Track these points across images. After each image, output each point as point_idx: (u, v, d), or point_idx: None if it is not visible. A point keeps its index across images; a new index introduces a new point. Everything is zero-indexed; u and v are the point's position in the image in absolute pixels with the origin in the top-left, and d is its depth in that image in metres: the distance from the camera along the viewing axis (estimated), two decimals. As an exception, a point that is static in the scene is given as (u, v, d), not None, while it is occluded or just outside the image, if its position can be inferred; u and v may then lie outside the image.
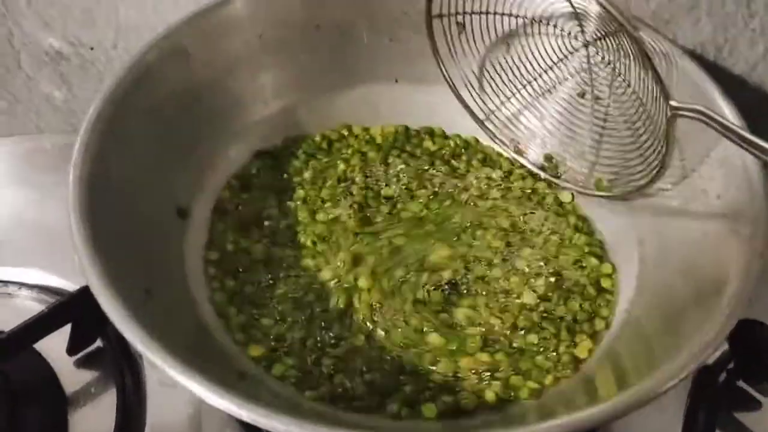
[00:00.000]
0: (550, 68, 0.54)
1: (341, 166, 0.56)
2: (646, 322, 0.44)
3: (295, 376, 0.44)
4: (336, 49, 0.57)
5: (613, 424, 0.49)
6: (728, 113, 0.45)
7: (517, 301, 0.48)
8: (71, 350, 0.51)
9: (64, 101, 0.72)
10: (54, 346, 0.51)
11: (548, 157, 0.56)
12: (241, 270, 0.50)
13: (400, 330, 0.46)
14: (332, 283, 0.49)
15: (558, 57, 0.53)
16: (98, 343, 0.52)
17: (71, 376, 0.51)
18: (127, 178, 0.45)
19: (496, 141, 0.57)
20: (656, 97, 0.44)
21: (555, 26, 0.52)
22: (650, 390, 0.35)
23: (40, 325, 0.49)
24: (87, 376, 0.51)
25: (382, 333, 0.46)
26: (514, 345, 0.46)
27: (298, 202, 0.54)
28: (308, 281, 0.49)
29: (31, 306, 0.55)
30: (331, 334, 0.46)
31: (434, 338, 0.46)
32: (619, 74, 0.49)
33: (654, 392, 0.35)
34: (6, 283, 0.56)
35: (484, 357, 0.45)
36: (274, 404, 0.34)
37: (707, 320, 0.38)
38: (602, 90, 0.52)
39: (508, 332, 0.46)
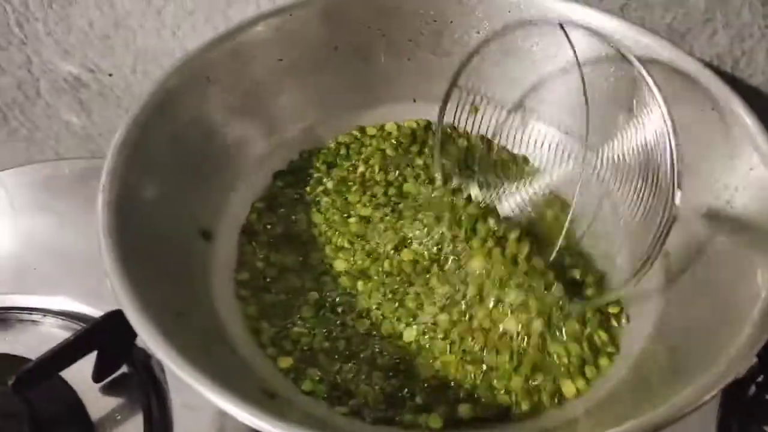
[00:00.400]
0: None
1: (361, 168, 0.56)
2: (674, 339, 0.44)
3: (323, 390, 0.44)
4: (354, 70, 0.57)
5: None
6: (748, 119, 0.45)
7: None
8: (97, 377, 0.51)
9: (82, 127, 0.72)
10: (79, 373, 0.51)
11: None
12: (270, 280, 0.50)
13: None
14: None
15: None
16: (123, 369, 0.52)
17: (97, 402, 0.51)
18: (153, 201, 0.45)
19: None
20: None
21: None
22: (684, 405, 0.35)
23: (66, 353, 0.49)
24: (113, 402, 0.51)
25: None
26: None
27: (327, 210, 0.54)
28: (340, 287, 0.50)
29: (56, 333, 0.55)
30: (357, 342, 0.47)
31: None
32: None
33: (689, 407, 0.35)
34: (30, 310, 0.56)
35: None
36: (304, 422, 0.34)
37: (737, 335, 0.37)
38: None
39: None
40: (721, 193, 0.46)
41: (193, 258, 0.48)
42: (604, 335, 0.46)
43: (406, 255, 0.51)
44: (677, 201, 0.39)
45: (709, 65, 0.60)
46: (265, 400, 0.41)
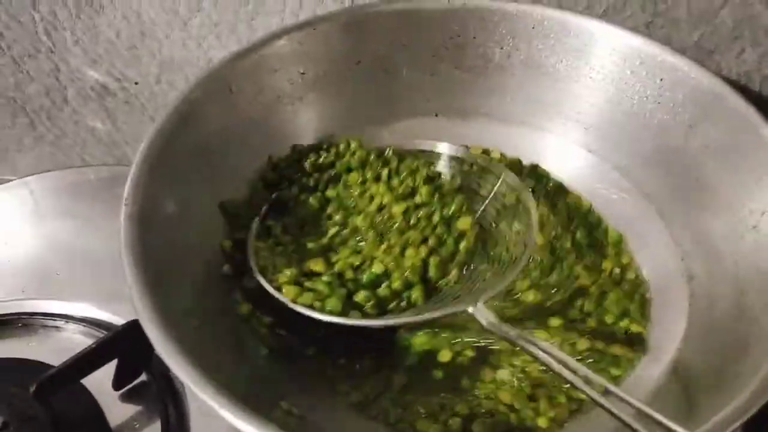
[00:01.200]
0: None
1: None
2: (697, 363, 0.43)
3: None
4: (377, 85, 0.57)
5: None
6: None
7: None
8: (117, 385, 0.52)
9: (108, 134, 0.73)
10: (99, 381, 0.52)
11: None
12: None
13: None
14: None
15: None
16: (143, 377, 0.53)
17: (116, 409, 0.52)
18: (176, 213, 0.45)
19: None
20: None
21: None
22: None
23: (88, 361, 0.50)
24: (131, 410, 0.52)
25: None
26: None
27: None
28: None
29: (78, 340, 0.56)
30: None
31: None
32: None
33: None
34: (53, 316, 0.57)
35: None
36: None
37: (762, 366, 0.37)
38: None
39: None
40: (746, 218, 0.45)
41: (217, 271, 0.48)
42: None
43: None
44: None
45: (736, 84, 0.60)
46: (287, 418, 0.41)
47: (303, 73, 0.55)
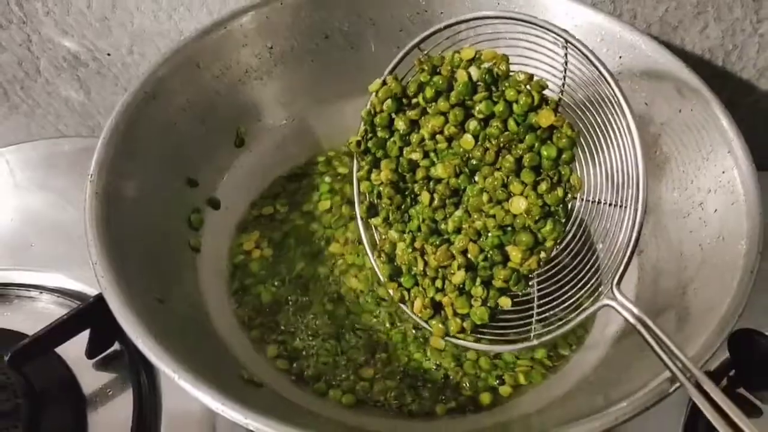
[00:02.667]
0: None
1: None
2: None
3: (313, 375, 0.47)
4: (345, 59, 0.57)
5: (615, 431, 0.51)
6: (726, 124, 0.45)
7: None
8: (90, 353, 0.53)
9: (81, 104, 0.74)
10: (73, 349, 0.53)
11: None
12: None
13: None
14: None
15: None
16: (116, 346, 0.54)
17: (90, 377, 0.53)
18: (142, 190, 0.47)
19: None
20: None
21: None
22: (640, 403, 0.36)
23: (61, 330, 0.51)
24: (105, 377, 0.53)
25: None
26: None
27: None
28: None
29: (52, 310, 0.57)
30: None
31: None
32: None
33: (643, 405, 0.36)
34: (28, 287, 0.58)
35: None
36: (283, 413, 0.35)
37: (701, 334, 0.38)
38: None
39: None
40: (694, 195, 0.46)
41: (182, 246, 0.49)
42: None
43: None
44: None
45: (699, 59, 0.61)
46: (248, 388, 0.43)
47: (271, 48, 0.55)
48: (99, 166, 0.44)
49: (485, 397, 0.45)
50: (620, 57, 0.51)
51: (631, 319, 0.38)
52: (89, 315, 0.52)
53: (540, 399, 0.44)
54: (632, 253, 0.40)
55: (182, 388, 0.51)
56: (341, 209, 0.56)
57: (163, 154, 0.49)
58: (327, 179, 0.57)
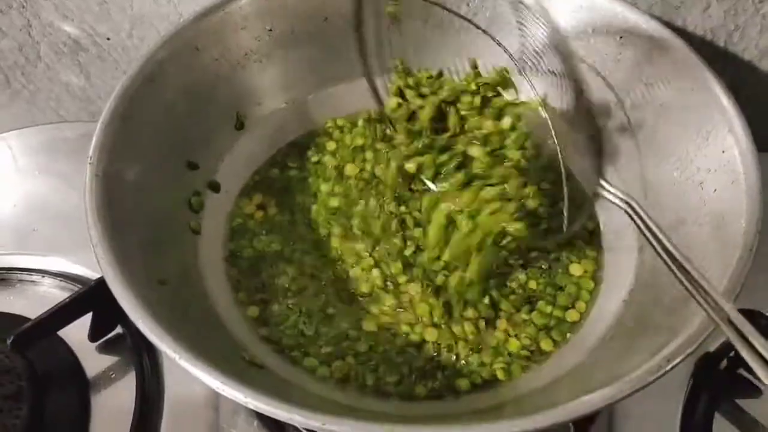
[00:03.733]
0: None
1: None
2: (641, 312, 0.45)
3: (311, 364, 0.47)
4: (344, 40, 0.57)
5: (614, 409, 0.51)
6: (726, 104, 0.45)
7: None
8: (93, 337, 0.54)
9: (82, 89, 0.74)
10: (76, 333, 0.54)
11: None
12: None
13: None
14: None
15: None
16: (118, 329, 0.55)
17: (93, 361, 0.54)
18: (143, 173, 0.47)
19: None
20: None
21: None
22: (637, 380, 0.36)
23: (64, 314, 0.52)
24: (107, 360, 0.54)
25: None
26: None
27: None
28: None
29: (54, 294, 0.57)
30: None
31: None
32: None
33: (641, 383, 0.36)
34: (30, 271, 0.59)
35: None
36: (281, 393, 0.36)
37: (698, 314, 0.38)
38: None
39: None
40: (694, 175, 0.46)
41: (183, 229, 0.50)
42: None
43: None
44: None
45: (702, 39, 0.60)
46: (250, 369, 0.43)
47: (270, 30, 0.55)
48: (99, 149, 0.44)
49: (463, 383, 0.46)
50: (621, 38, 0.51)
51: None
52: (91, 298, 0.52)
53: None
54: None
55: (184, 370, 0.53)
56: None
57: (163, 137, 0.49)
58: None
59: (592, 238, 0.52)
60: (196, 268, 0.48)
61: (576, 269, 0.51)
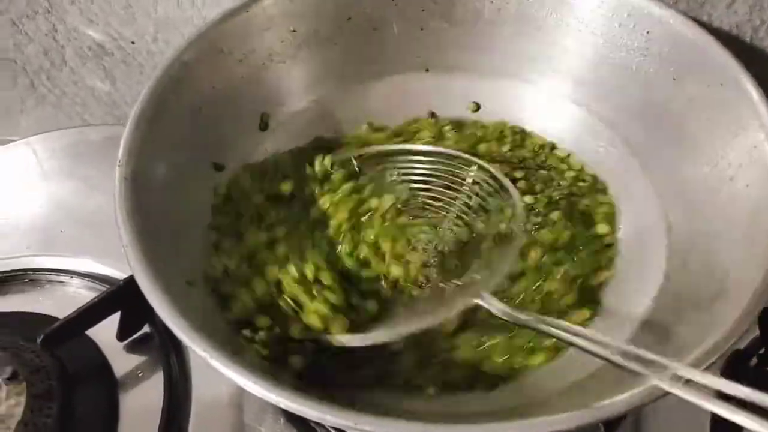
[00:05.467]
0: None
1: None
2: (673, 309, 0.45)
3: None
4: (368, 41, 0.57)
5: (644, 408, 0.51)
6: (757, 99, 0.45)
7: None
8: (121, 336, 0.54)
9: (107, 93, 0.74)
10: (105, 333, 0.54)
11: None
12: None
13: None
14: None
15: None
16: (146, 329, 0.55)
17: (121, 360, 0.54)
18: (169, 174, 0.47)
19: None
20: None
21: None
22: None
23: (92, 313, 0.52)
24: (136, 360, 0.55)
25: None
26: None
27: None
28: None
29: (82, 294, 0.58)
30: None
31: None
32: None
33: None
34: (58, 272, 0.59)
35: None
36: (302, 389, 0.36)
37: (736, 309, 0.38)
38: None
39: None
40: (725, 170, 0.46)
41: (208, 229, 0.50)
42: None
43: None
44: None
45: (727, 35, 0.60)
46: (274, 367, 0.43)
47: (294, 31, 0.55)
48: (127, 152, 0.44)
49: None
50: (648, 32, 0.51)
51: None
52: (119, 297, 0.53)
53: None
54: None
55: (212, 370, 0.53)
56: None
57: (189, 139, 0.49)
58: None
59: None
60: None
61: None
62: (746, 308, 0.37)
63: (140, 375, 0.54)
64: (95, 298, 0.52)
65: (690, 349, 0.37)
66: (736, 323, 0.37)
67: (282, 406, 0.34)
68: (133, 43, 0.69)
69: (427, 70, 0.59)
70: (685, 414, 0.50)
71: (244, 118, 0.54)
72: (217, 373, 0.51)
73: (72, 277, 0.59)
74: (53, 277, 0.59)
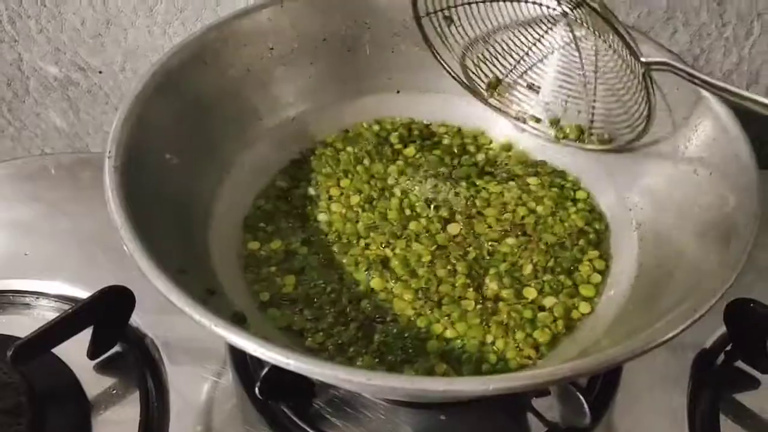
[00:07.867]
0: (539, 41, 0.57)
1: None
2: (649, 282, 0.47)
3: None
4: (342, 62, 0.59)
5: (620, 408, 0.51)
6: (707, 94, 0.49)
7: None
8: (92, 354, 0.52)
9: (70, 125, 0.74)
10: (75, 352, 0.52)
11: (553, 122, 0.58)
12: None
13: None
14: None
15: (542, 30, 0.56)
16: (118, 347, 0.53)
17: (93, 380, 0.52)
18: (157, 170, 0.48)
19: (503, 115, 0.60)
20: (630, 57, 0.48)
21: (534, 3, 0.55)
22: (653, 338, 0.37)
23: (62, 328, 0.50)
24: (109, 380, 0.52)
25: None
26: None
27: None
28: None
29: (50, 315, 0.55)
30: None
31: None
32: (599, 37, 0.52)
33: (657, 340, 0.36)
34: (24, 293, 0.57)
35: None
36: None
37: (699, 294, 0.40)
38: (589, 54, 0.54)
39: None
40: (687, 163, 0.50)
41: (196, 225, 0.50)
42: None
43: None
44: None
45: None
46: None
47: (272, 49, 0.57)
48: (116, 145, 0.44)
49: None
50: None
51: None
52: (91, 312, 0.51)
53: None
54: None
55: (190, 388, 0.52)
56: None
57: (176, 140, 0.50)
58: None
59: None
60: (209, 262, 0.49)
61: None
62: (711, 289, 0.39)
63: (114, 393, 0.51)
64: (67, 310, 0.50)
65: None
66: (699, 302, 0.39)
67: (292, 368, 0.33)
68: (100, 72, 0.69)
69: (398, 92, 0.62)
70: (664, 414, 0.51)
71: (228, 127, 0.55)
72: (195, 390, 0.51)
73: (38, 298, 0.57)
74: (18, 298, 0.57)
